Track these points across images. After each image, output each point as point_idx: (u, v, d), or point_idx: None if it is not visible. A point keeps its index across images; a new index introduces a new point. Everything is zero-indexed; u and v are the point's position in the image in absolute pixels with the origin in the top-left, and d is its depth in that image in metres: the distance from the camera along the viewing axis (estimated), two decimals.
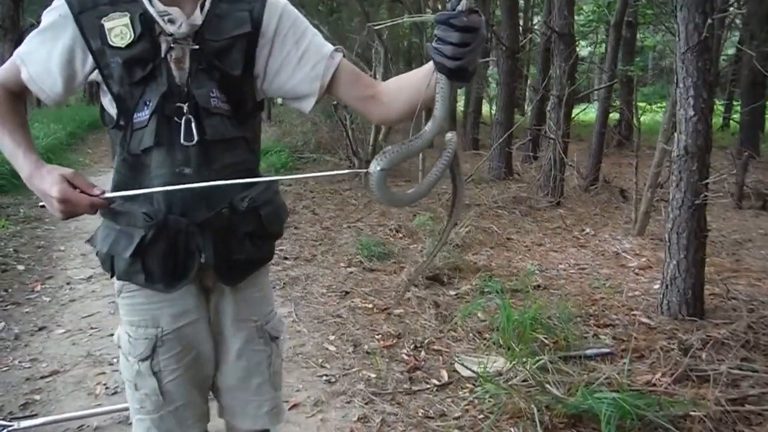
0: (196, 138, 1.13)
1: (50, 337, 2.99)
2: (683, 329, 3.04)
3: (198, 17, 1.13)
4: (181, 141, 1.13)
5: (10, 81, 1.17)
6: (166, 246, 1.16)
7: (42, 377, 2.59)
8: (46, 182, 1.08)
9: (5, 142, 1.14)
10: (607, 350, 2.79)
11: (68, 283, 3.73)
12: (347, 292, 3.62)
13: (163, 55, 1.12)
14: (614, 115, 11.49)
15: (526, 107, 13.23)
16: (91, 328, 3.08)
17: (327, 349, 2.91)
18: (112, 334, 3.01)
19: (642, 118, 14.96)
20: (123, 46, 1.10)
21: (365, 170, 1.02)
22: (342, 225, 5.29)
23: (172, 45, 1.12)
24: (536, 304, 3.00)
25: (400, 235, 4.93)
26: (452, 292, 3.60)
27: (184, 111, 1.13)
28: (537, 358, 2.55)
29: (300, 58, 1.20)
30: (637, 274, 4.03)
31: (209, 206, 1.17)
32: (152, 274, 1.18)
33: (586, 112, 12.06)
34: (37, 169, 1.10)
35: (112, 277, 1.23)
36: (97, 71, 1.13)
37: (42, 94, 1.16)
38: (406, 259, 4.18)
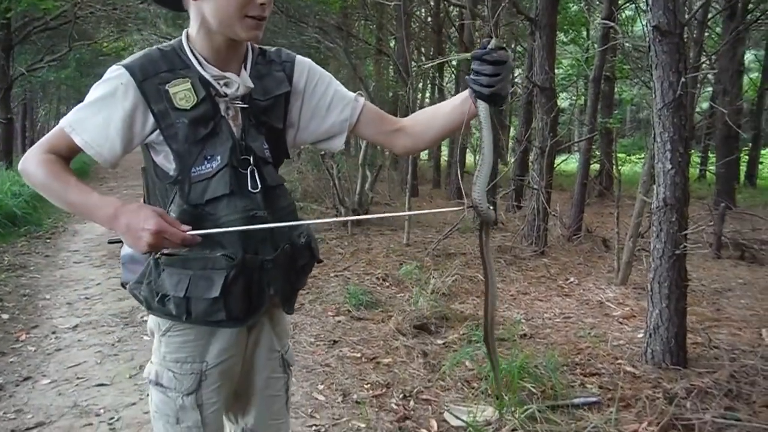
0: (260, 185, 1.28)
1: (35, 387, 2.96)
2: (667, 378, 3.08)
3: (248, 80, 1.28)
4: (249, 188, 1.26)
5: (60, 147, 1.25)
6: (245, 283, 1.28)
7: (27, 429, 2.56)
8: (140, 216, 1.15)
9: (72, 195, 1.21)
10: (594, 399, 2.82)
11: (54, 332, 3.70)
12: (335, 341, 3.63)
13: (222, 114, 1.26)
14: (595, 166, 11.75)
15: (509, 158, 13.49)
16: (78, 378, 3.05)
17: (316, 398, 2.91)
18: (101, 384, 3.00)
19: (622, 169, 15.33)
20: (188, 107, 1.22)
21: (472, 205, 1.20)
22: (329, 274, 5.32)
23: (228, 104, 1.26)
24: (523, 354, 3.04)
25: (387, 283, 4.96)
26: (440, 341, 3.63)
27: (250, 162, 1.26)
28: (525, 407, 2.58)
29: (329, 104, 1.38)
30: (621, 323, 4.09)
31: (274, 245, 1.32)
32: (232, 311, 1.28)
33: (567, 162, 12.33)
34: (123, 206, 1.18)
35: (186, 319, 1.29)
36: (157, 132, 1.23)
37: (100, 157, 1.24)
38: (394, 308, 4.20)
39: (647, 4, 3.18)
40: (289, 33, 8.11)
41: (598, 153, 11.03)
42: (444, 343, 3.60)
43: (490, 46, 1.17)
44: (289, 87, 1.35)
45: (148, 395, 1.52)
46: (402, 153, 1.42)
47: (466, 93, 1.25)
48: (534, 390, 2.78)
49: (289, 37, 8.19)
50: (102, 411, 2.72)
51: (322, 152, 7.59)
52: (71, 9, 11.36)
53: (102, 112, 1.22)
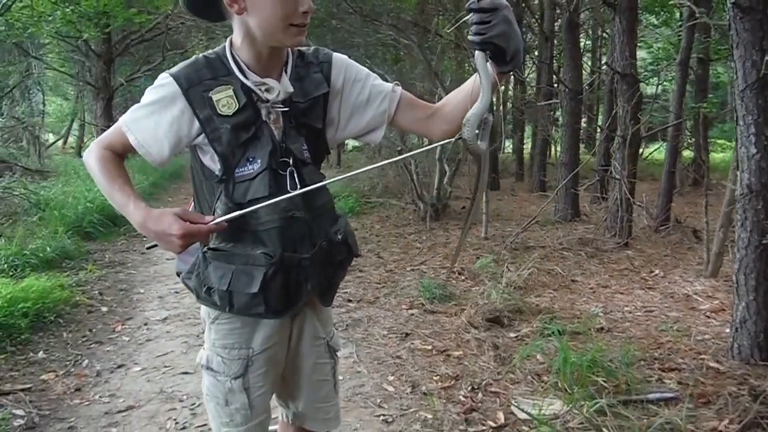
0: (298, 186, 1.32)
1: (128, 374, 3.19)
2: (755, 374, 2.91)
3: (288, 85, 1.34)
4: (288, 189, 1.31)
5: (117, 144, 1.36)
6: (283, 279, 1.35)
7: (119, 411, 2.77)
8: (164, 223, 1.24)
9: (116, 196, 1.32)
10: (671, 395, 2.71)
11: (146, 324, 3.96)
12: (408, 334, 3.68)
13: (263, 119, 1.32)
14: (690, 153, 11.17)
15: (595, 147, 13.05)
16: (165, 367, 3.27)
17: (386, 389, 2.96)
18: (185, 372, 3.19)
19: (721, 155, 14.42)
20: (231, 114, 1.29)
21: (458, 137, 1.22)
22: (406, 268, 5.37)
23: (270, 109, 1.32)
24: (596, 347, 2.96)
25: (463, 277, 4.96)
26: (512, 334, 3.59)
27: (290, 163, 1.33)
28: (594, 401, 2.52)
29: (367, 99, 1.42)
30: (708, 317, 3.89)
31: (312, 242, 1.37)
32: (270, 305, 1.36)
33: (660, 151, 11.77)
34: (149, 214, 1.27)
35: (228, 310, 1.38)
36: (203, 135, 1.31)
37: (149, 156, 1.34)
38: (467, 301, 4.20)
39: None
40: (365, 31, 8.21)
41: (691, 140, 10.48)
42: (516, 336, 3.56)
43: None
44: (327, 88, 1.39)
45: None
46: (440, 138, 1.39)
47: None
48: (606, 384, 2.71)
49: (365, 35, 8.29)
50: (185, 397, 2.90)
51: (399, 148, 7.65)
52: (163, 21, 12.05)
53: (153, 116, 1.32)
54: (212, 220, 1.28)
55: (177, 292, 4.67)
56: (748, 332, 3.09)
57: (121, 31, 12.43)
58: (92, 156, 1.35)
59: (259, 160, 1.31)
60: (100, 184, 1.34)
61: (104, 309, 4.26)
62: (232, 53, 1.34)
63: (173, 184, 12.31)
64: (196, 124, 1.31)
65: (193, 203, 1.47)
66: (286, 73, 1.36)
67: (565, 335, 3.39)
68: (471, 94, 1.29)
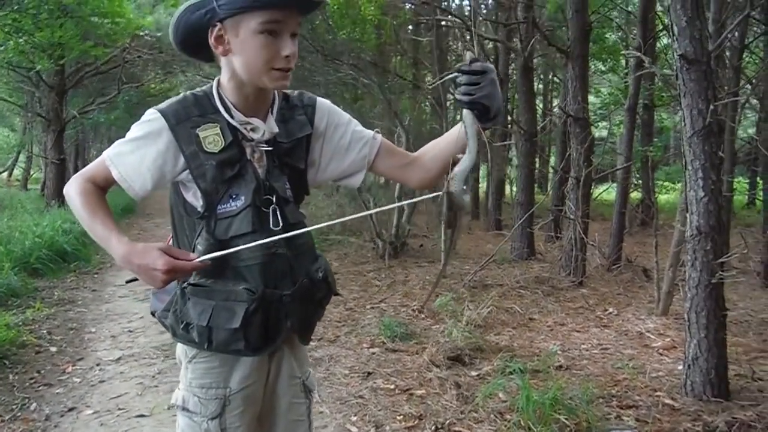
0: (281, 223, 1.35)
1: (79, 418, 3.07)
2: (708, 411, 3.00)
3: (273, 125, 1.38)
4: (271, 226, 1.34)
5: (99, 178, 1.37)
6: (263, 316, 1.35)
7: None
8: (149, 258, 1.24)
9: (98, 229, 1.32)
10: None
11: (98, 365, 3.83)
12: (370, 373, 3.66)
13: (248, 158, 1.35)
14: (637, 195, 11.57)
15: (549, 188, 13.40)
16: (119, 409, 3.15)
17: (349, 430, 2.93)
18: (140, 415, 3.09)
19: (666, 197, 14.98)
20: (216, 151, 1.32)
21: (446, 191, 1.28)
22: (366, 306, 5.36)
23: (254, 148, 1.35)
24: (557, 385, 3.01)
25: (423, 315, 4.98)
26: (474, 373, 3.61)
27: (273, 201, 1.35)
28: None
29: (348, 144, 1.47)
30: (661, 354, 4.00)
31: (293, 279, 1.39)
32: (250, 342, 1.35)
33: (609, 192, 12.18)
34: (133, 248, 1.27)
35: (207, 347, 1.37)
36: (187, 171, 1.33)
37: (131, 191, 1.36)
38: (428, 340, 4.21)
39: (673, 34, 3.19)
40: (326, 70, 8.32)
41: (639, 182, 10.87)
42: (478, 375, 3.58)
43: (466, 60, 1.26)
44: (310, 129, 1.43)
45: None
46: (417, 186, 1.48)
47: None
48: (567, 423, 2.74)
49: (325, 74, 8.41)
50: None
51: (358, 186, 7.69)
52: (120, 54, 11.92)
53: (138, 151, 1.33)
54: (197, 258, 1.28)
55: (131, 331, 4.54)
56: (700, 369, 3.19)
57: (76, 63, 12.22)
58: (73, 188, 1.35)
59: (242, 197, 1.33)
60: (80, 217, 1.34)
61: (53, 349, 4.10)
62: (219, 92, 1.37)
63: (125, 219, 12.03)
64: (182, 159, 1.33)
65: (171, 240, 1.47)
66: (271, 114, 1.40)
67: (526, 373, 3.42)
68: (450, 145, 1.38)
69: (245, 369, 1.42)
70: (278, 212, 1.36)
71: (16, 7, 8.98)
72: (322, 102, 1.49)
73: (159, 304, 1.45)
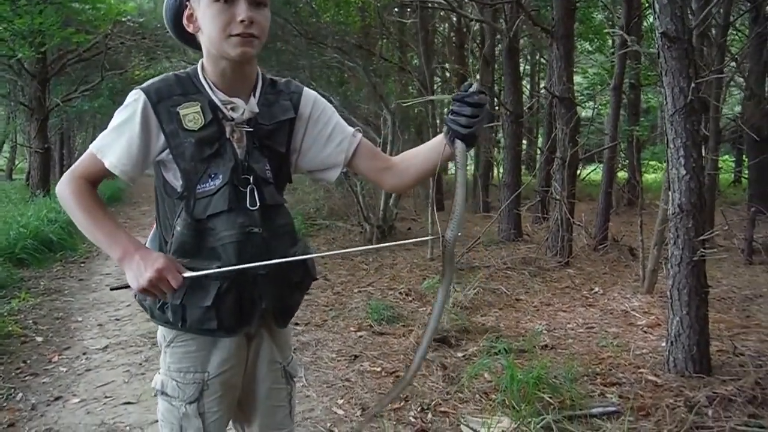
0: (258, 203, 1.35)
1: (66, 406, 3.06)
2: (690, 386, 3.04)
3: (254, 105, 1.38)
4: (247, 206, 1.34)
5: (91, 171, 1.36)
6: (236, 295, 1.36)
7: None
8: (150, 258, 1.28)
9: (96, 230, 1.33)
10: (612, 409, 2.80)
11: (84, 353, 3.82)
12: (356, 356, 3.67)
13: (227, 136, 1.35)
14: (624, 174, 11.62)
15: (536, 169, 13.43)
16: (106, 397, 3.15)
17: (335, 413, 2.95)
18: (127, 402, 3.09)
19: (653, 176, 15.06)
20: (196, 129, 1.33)
21: (441, 235, 1.29)
22: (353, 290, 5.37)
23: (234, 128, 1.35)
24: (541, 364, 3.03)
25: (410, 298, 4.99)
26: (460, 354, 3.64)
27: (250, 181, 1.34)
28: (541, 417, 2.57)
29: (329, 135, 1.47)
30: (645, 332, 4.04)
31: (268, 259, 1.36)
32: (223, 321, 1.35)
33: (597, 172, 12.23)
34: (142, 248, 1.32)
35: (181, 326, 1.38)
36: (167, 150, 1.33)
37: (125, 176, 1.35)
38: (415, 322, 4.23)
39: (655, 12, 3.19)
40: (310, 54, 8.25)
41: (626, 161, 10.91)
42: (464, 356, 3.61)
43: (471, 90, 1.26)
44: (294, 114, 1.44)
45: None
46: (390, 190, 1.53)
47: (442, 134, 1.35)
48: (551, 401, 2.77)
49: (310, 57, 8.33)
50: (128, 429, 2.80)
51: (345, 169, 7.67)
52: (102, 41, 11.76)
53: (125, 135, 1.33)
54: (186, 274, 1.29)
55: (118, 320, 4.53)
56: (682, 346, 3.22)
57: (58, 50, 12.04)
58: (66, 189, 1.34)
59: (220, 176, 1.33)
60: (74, 217, 1.34)
61: (39, 339, 4.08)
62: (202, 73, 1.38)
63: (110, 207, 11.96)
64: (162, 138, 1.33)
65: (155, 225, 1.47)
66: (254, 95, 1.40)
67: (511, 353, 3.46)
68: (427, 162, 1.42)
69: (223, 353, 1.42)
70: (255, 192, 1.35)
71: None
72: (309, 91, 1.50)
73: None
